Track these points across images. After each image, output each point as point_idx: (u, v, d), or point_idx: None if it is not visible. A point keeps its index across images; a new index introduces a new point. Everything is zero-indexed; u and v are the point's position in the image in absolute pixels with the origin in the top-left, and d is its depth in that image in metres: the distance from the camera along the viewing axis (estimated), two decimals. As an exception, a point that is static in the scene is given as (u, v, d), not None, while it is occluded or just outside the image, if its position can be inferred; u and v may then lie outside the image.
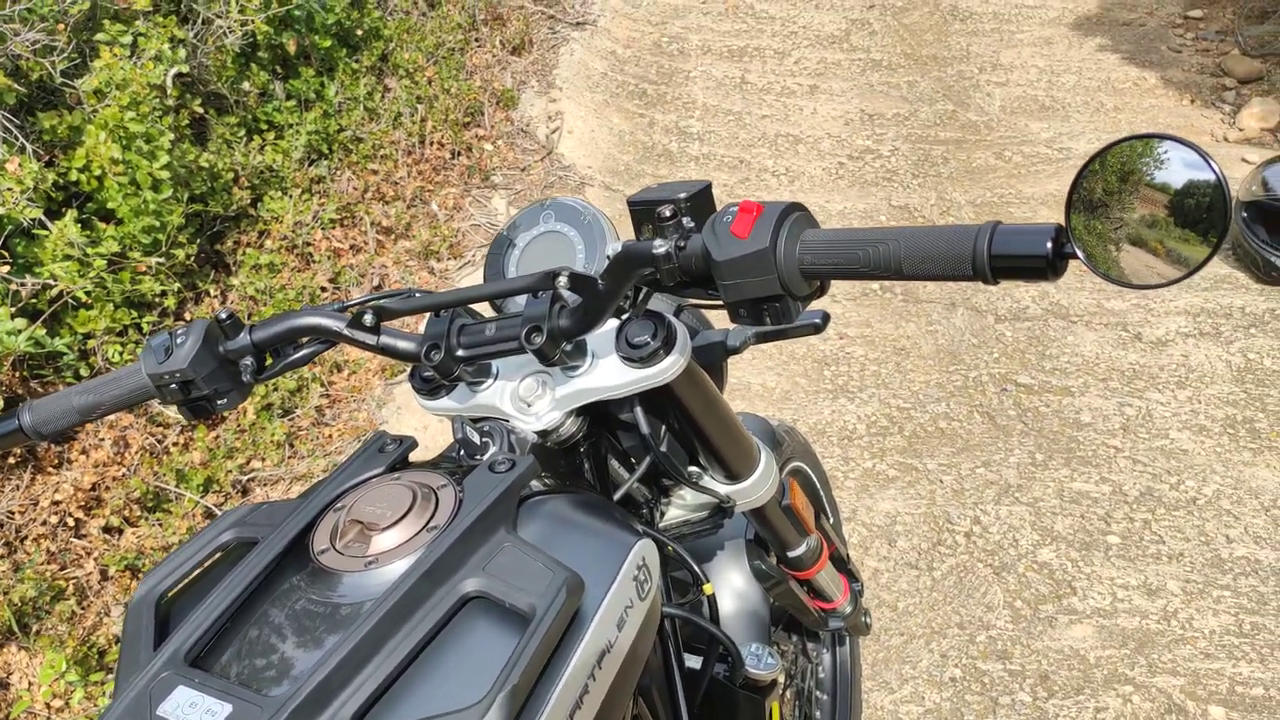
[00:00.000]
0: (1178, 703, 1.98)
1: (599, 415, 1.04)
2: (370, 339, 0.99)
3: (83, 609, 2.03)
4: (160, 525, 2.15)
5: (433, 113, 3.51)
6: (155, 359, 0.99)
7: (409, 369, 1.03)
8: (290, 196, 3.01)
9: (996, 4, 4.73)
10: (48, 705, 1.91)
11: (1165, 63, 4.21)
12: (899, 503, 2.46)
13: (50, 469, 2.18)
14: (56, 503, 2.10)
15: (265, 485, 2.37)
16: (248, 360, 1.01)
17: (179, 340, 1.00)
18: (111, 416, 2.31)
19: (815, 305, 1.04)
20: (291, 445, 2.42)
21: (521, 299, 1.04)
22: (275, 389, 2.46)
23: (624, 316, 0.96)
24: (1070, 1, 4.74)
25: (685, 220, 0.87)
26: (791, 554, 1.39)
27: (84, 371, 2.26)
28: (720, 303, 0.87)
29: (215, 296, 2.68)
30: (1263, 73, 4.01)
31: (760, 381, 2.84)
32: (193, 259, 2.61)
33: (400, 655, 0.72)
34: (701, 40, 4.42)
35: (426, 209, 3.25)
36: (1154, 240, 0.65)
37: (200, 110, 2.90)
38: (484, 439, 0.97)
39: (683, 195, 0.88)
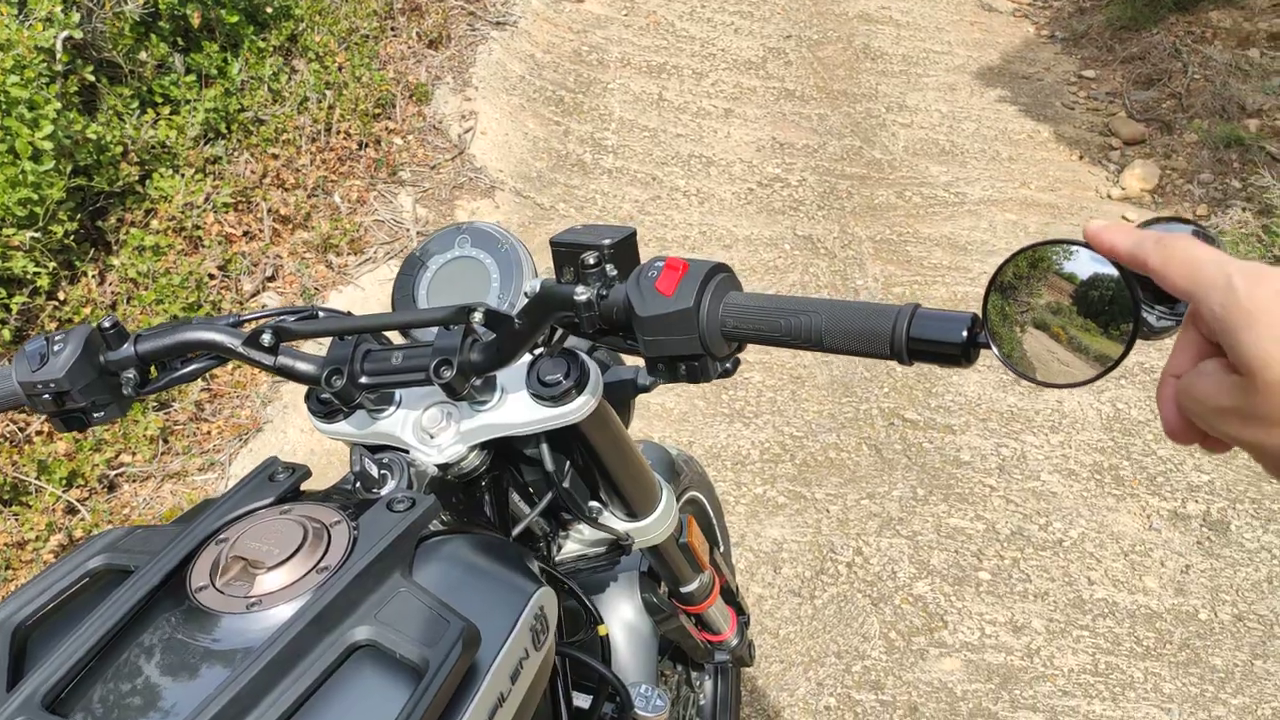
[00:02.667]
0: (1035, 737, 2.07)
1: (502, 449, 1.02)
2: (267, 359, 0.94)
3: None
4: (16, 519, 2.02)
5: (341, 100, 3.40)
6: (29, 366, 0.92)
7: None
8: (182, 176, 2.87)
9: (906, 47, 4.88)
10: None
11: (1059, 118, 4.43)
12: (786, 530, 2.51)
13: (-106, 452, 2.02)
14: (-101, 490, 1.94)
15: (134, 481, 2.24)
16: (130, 373, 0.95)
17: (56, 348, 0.93)
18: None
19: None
20: (166, 441, 2.30)
21: (431, 331, 1.01)
22: (154, 380, 2.34)
23: (537, 353, 0.94)
24: (975, 51, 4.93)
25: (608, 268, 0.86)
26: (684, 589, 1.40)
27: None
28: (636, 350, 0.86)
29: (93, 277, 2.53)
30: (1146, 136, 4.26)
31: (660, 403, 2.85)
32: (71, 236, 2.46)
33: (281, 708, 0.68)
34: (621, 53, 4.42)
35: (328, 200, 3.15)
36: (1067, 339, 0.68)
37: (91, 78, 2.74)
38: (382, 471, 0.94)
39: (607, 242, 0.87)
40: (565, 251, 0.90)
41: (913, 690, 2.15)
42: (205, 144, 3.05)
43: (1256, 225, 3.57)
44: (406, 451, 0.96)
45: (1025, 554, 2.49)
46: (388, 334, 1.00)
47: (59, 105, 2.34)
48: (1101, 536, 2.56)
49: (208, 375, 2.51)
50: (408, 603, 0.75)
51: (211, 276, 2.71)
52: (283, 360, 0.95)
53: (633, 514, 1.14)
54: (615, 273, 0.84)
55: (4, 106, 2.22)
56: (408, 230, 3.13)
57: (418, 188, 3.31)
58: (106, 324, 0.94)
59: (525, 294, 0.98)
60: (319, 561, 0.78)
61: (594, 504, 1.12)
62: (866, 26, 4.98)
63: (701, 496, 1.73)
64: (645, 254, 0.85)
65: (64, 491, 2.08)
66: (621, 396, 1.16)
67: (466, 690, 0.72)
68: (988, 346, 0.67)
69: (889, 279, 3.40)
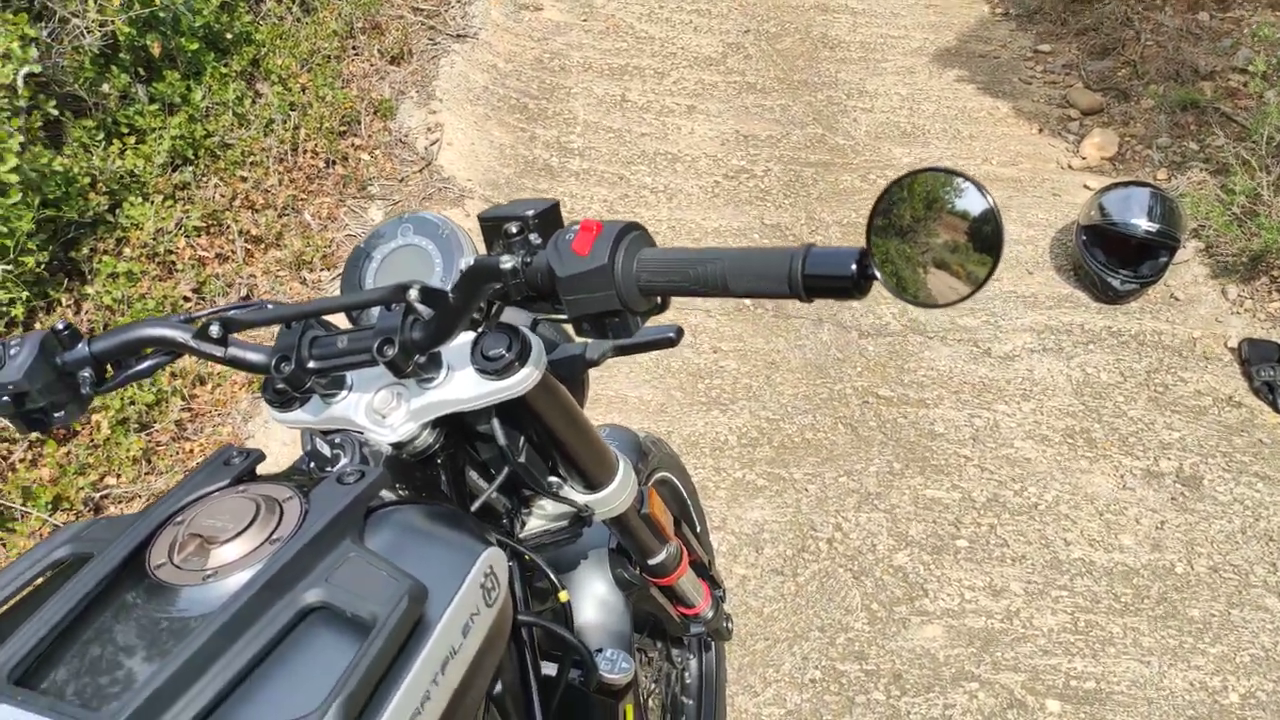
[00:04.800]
0: (1019, 698, 2.11)
1: (456, 427, 1.06)
2: (217, 350, 0.98)
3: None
4: (3, 545, 2.04)
5: (307, 120, 3.44)
6: (-14, 369, 0.96)
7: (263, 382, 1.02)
8: (152, 203, 2.90)
9: (864, 34, 4.94)
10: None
11: (1017, 94, 4.49)
12: (767, 511, 2.55)
13: (-122, 489, 2.04)
14: (-115, 525, 1.97)
15: (120, 503, 2.27)
16: (86, 372, 0.99)
17: (12, 351, 0.97)
18: (-51, 433, 2.18)
19: (665, 320, 1.09)
20: (149, 461, 2.33)
21: (377, 312, 1.05)
22: (132, 403, 2.37)
23: (479, 330, 0.98)
24: (931, 34, 4.99)
25: (532, 237, 0.90)
26: (652, 561, 1.44)
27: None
28: (559, 319, 0.90)
29: (69, 306, 2.56)
30: (1103, 105, 4.32)
31: (637, 395, 2.89)
32: (43, 266, 2.49)
33: (237, 666, 0.72)
34: (583, 57, 4.47)
35: (299, 218, 3.19)
36: (941, 262, 0.72)
37: (55, 112, 2.77)
38: (334, 451, 0.98)
39: (530, 212, 0.91)
40: (492, 226, 0.95)
41: (895, 658, 2.19)
42: (173, 171, 3.08)
43: (1215, 185, 3.62)
44: (361, 434, 0.99)
45: (1002, 520, 2.54)
46: (335, 322, 1.03)
47: (22, 139, 2.37)
48: (1076, 498, 2.61)
49: (187, 396, 2.54)
50: (358, 566, 0.79)
51: (186, 299, 2.75)
52: (233, 351, 0.99)
53: (591, 485, 1.18)
54: (539, 241, 0.88)
55: (-33, 143, 2.26)
56: (379, 243, 3.17)
57: (387, 200, 3.35)
58: (60, 326, 0.98)
59: (460, 271, 1.02)
60: (272, 533, 0.81)
61: (553, 479, 1.16)
62: (823, 17, 5.04)
63: (673, 477, 1.76)
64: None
65: (50, 515, 2.11)
66: (572, 372, 1.20)
67: (416, 643, 0.76)
68: (875, 277, 0.72)
69: (857, 261, 3.46)
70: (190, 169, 3.14)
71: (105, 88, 3.03)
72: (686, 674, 1.91)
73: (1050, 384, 3.00)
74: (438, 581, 0.80)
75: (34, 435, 2.25)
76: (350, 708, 0.69)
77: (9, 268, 2.33)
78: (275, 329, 0.98)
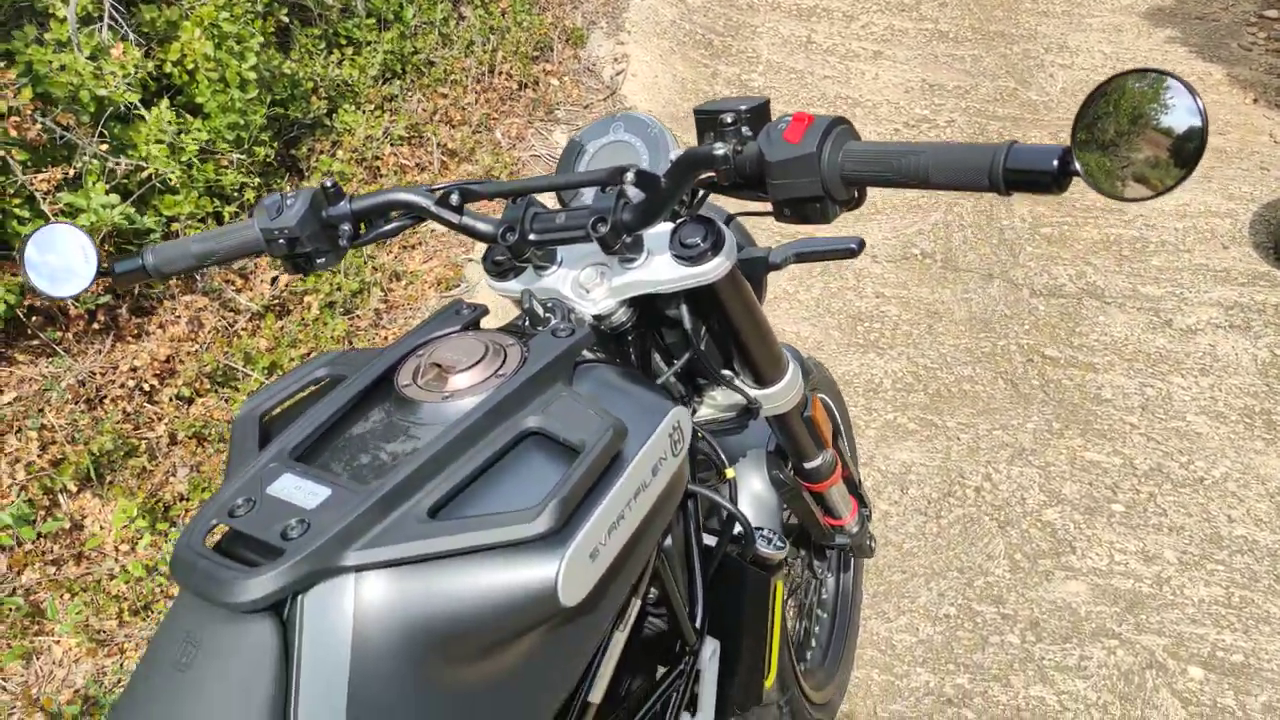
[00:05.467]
0: (1159, 660, 2.09)
1: (648, 309, 1.17)
2: (454, 217, 1.12)
3: (152, 467, 2.21)
4: (227, 401, 2.32)
5: (504, 44, 3.61)
6: (268, 216, 1.13)
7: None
8: (364, 111, 3.14)
9: (1071, -14, 4.71)
10: (116, 549, 2.09)
11: (1234, 59, 4.19)
12: (915, 454, 2.57)
13: (130, 338, 2.35)
14: (134, 369, 2.27)
15: (322, 376, 2.53)
16: (346, 226, 1.15)
17: (289, 202, 1.13)
18: (189, 297, 2.48)
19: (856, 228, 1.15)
20: (350, 341, 2.58)
21: (588, 196, 1.17)
22: (339, 289, 2.61)
23: (679, 219, 1.08)
24: (1146, -10, 4.71)
25: (744, 129, 0.99)
26: (808, 465, 1.52)
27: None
28: (768, 208, 0.99)
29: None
30: (1331, 78, 3.99)
31: (795, 330, 2.95)
32: (271, 158, 2.76)
33: (471, 467, 0.86)
34: (772, -3, 4.46)
35: (491, 135, 3.37)
36: (1142, 162, 0.76)
37: (285, 19, 3.03)
38: (546, 313, 1.10)
39: (743, 107, 1.00)
40: (706, 119, 1.04)
41: (1035, 607, 2.20)
42: (383, 83, 3.32)
43: None
44: (566, 302, 1.12)
45: (1163, 490, 2.48)
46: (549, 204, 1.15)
47: (261, 40, 2.62)
48: (1246, 477, 2.51)
49: (385, 289, 2.77)
50: (568, 403, 0.91)
51: (387, 201, 2.98)
52: (466, 219, 1.12)
53: (761, 381, 1.27)
54: (750, 133, 0.97)
55: (217, 39, 2.52)
56: (562, 164, 3.33)
57: (571, 125, 3.49)
58: (328, 184, 1.14)
59: (669, 160, 1.11)
60: (498, 369, 0.94)
61: (726, 372, 1.26)
62: (1028, -34, 4.83)
63: (829, 400, 1.83)
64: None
65: (266, 378, 2.38)
66: (754, 272, 1.28)
67: (615, 472, 0.87)
68: (1077, 173, 0.76)
69: (1037, 219, 3.37)
70: (398, 83, 3.36)
71: (329, 0, 3.28)
72: (824, 589, 1.99)
73: (1233, 361, 2.87)
74: (635, 425, 0.91)
75: (256, 306, 2.53)
76: (562, 510, 0.81)
77: (243, 155, 2.60)
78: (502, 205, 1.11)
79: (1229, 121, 3.86)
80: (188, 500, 2.19)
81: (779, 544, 1.33)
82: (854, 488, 1.73)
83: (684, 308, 1.17)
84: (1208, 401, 2.74)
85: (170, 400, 2.27)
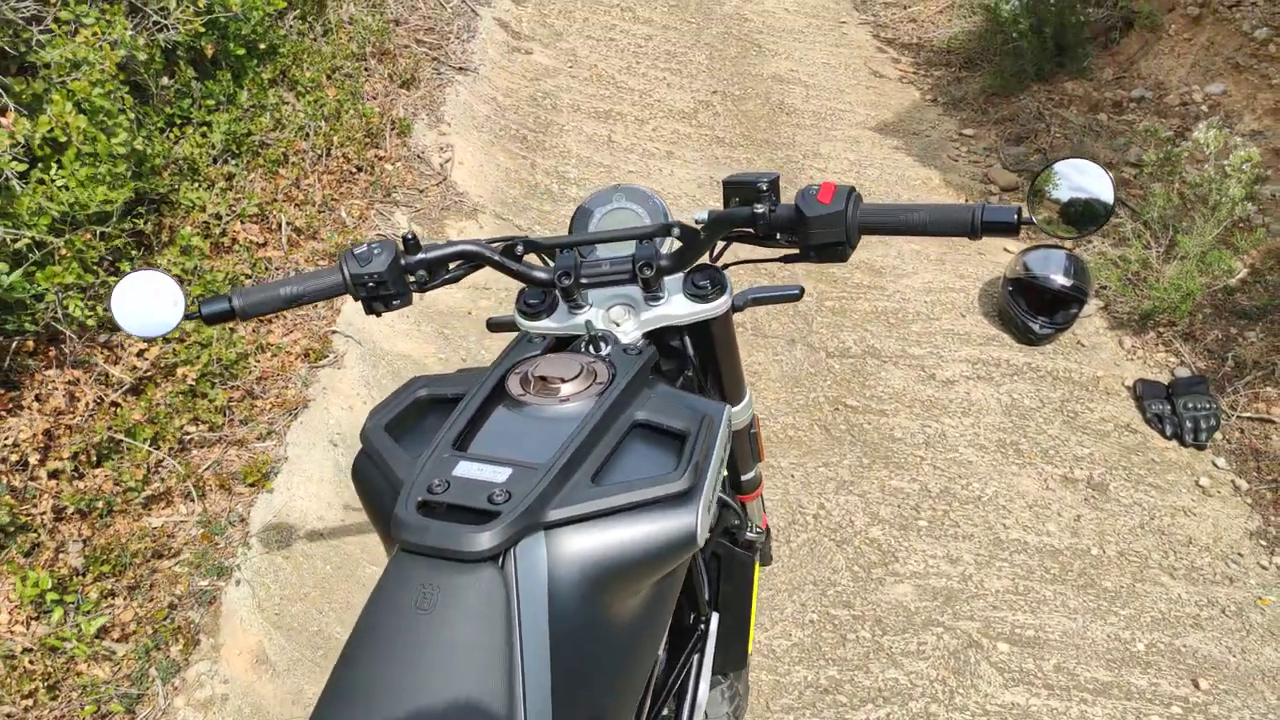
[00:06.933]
0: (976, 640, 2.57)
1: (656, 338, 1.46)
2: (515, 265, 1.36)
3: (48, 540, 2.12)
4: (117, 472, 2.28)
5: (338, 130, 3.75)
6: (358, 264, 1.31)
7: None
8: (207, 189, 3.16)
9: (815, 105, 5.56)
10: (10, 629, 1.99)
11: (946, 168, 5.15)
12: (764, 492, 2.96)
13: (4, 413, 2.25)
14: (16, 444, 2.18)
15: (203, 446, 2.52)
16: (421, 273, 1.35)
17: (375, 251, 1.33)
18: (52, 371, 2.40)
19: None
20: (231, 411, 2.59)
21: (601, 251, 1.46)
22: (218, 360, 2.63)
23: (689, 269, 1.40)
24: (872, 110, 5.65)
25: (770, 195, 1.32)
26: (744, 476, 1.84)
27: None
28: (786, 250, 1.31)
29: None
30: (1018, 184, 5.01)
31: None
32: (123, 236, 2.73)
33: (605, 452, 1.10)
34: (571, 99, 4.91)
35: (335, 215, 3.48)
36: (1067, 219, 1.17)
37: (128, 99, 3.01)
38: (602, 341, 1.36)
39: (766, 180, 1.33)
40: (734, 186, 1.36)
41: (876, 607, 2.62)
42: (222, 163, 3.35)
43: (1114, 254, 4.30)
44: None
45: (953, 507, 3.03)
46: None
47: (131, 117, 2.64)
48: (1010, 494, 3.13)
49: (255, 358, 2.80)
50: (659, 401, 1.18)
51: (246, 275, 3.01)
52: (523, 267, 1.37)
53: (729, 399, 1.59)
54: (773, 197, 1.30)
55: (89, 113, 2.51)
56: (408, 244, 3.50)
57: (411, 208, 3.68)
58: (409, 235, 1.34)
59: (695, 221, 1.42)
60: (595, 380, 1.20)
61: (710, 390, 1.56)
62: (780, 86, 5.64)
63: None
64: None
65: (153, 450, 2.35)
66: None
67: (709, 451, 1.14)
68: (1030, 223, 1.16)
69: (821, 295, 3.96)
70: (235, 162, 3.40)
71: (166, 80, 3.29)
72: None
73: (984, 405, 3.54)
74: (711, 414, 1.20)
75: (124, 388, 2.49)
76: (695, 474, 1.08)
77: (108, 230, 2.57)
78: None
79: (951, 217, 4.73)
80: (83, 575, 2.13)
81: (756, 530, 1.63)
82: (761, 505, 2.07)
83: (686, 338, 1.48)
84: (972, 436, 3.37)
85: (64, 474, 2.20)
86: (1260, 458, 3.34)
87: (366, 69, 4.39)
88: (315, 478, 2.56)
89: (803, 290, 1.66)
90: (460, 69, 4.69)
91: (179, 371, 2.55)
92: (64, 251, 2.34)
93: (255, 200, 3.24)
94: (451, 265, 1.38)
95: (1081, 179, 1.17)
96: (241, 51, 3.60)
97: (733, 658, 1.61)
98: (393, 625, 0.96)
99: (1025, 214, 1.18)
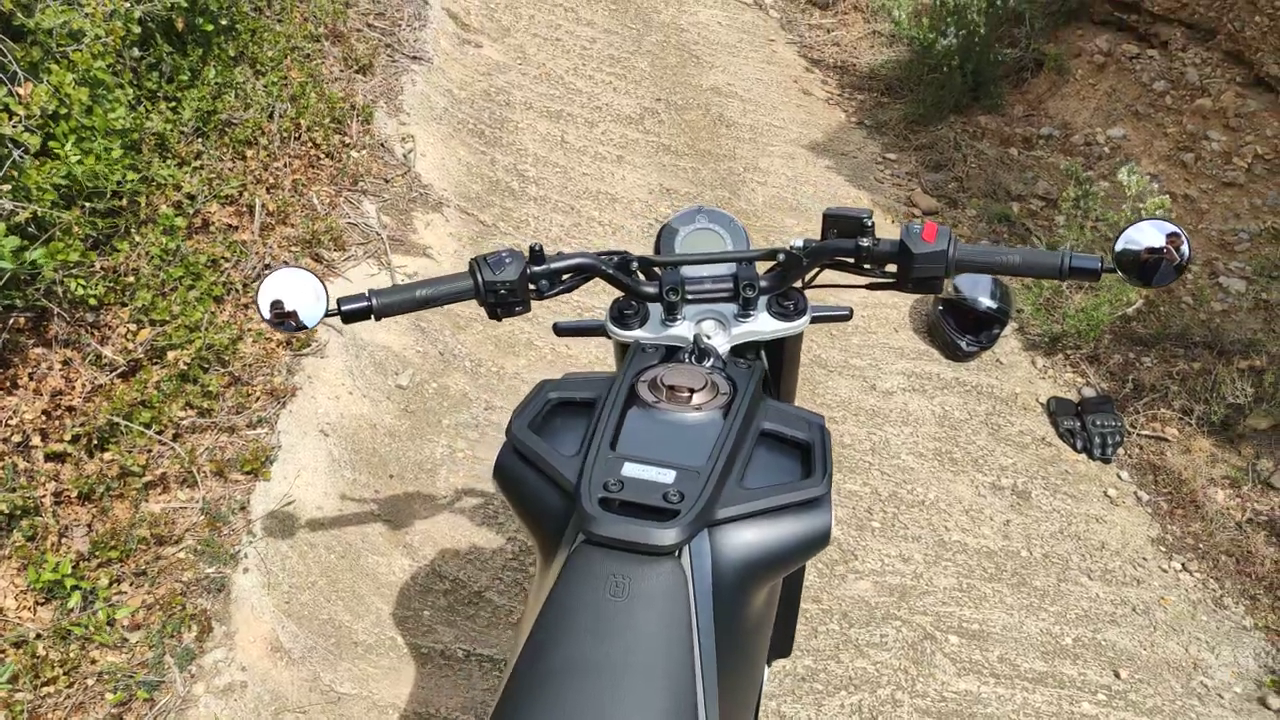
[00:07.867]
0: (930, 632, 2.81)
1: (736, 351, 1.59)
2: (627, 280, 1.47)
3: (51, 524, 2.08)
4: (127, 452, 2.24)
5: (303, 113, 3.70)
6: (491, 271, 1.39)
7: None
8: (181, 167, 3.09)
9: (752, 119, 5.78)
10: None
11: (873, 188, 5.45)
12: (728, 491, 3.13)
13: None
14: (19, 424, 2.12)
15: (197, 432, 2.49)
16: (544, 281, 1.44)
17: (506, 259, 1.41)
18: (40, 350, 2.34)
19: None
20: (225, 397, 2.57)
21: (688, 270, 1.58)
22: (210, 346, 2.60)
23: (777, 289, 1.53)
24: (804, 129, 5.91)
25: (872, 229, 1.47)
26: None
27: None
28: (881, 275, 1.46)
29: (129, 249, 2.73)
30: (938, 208, 5.36)
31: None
32: (112, 216, 2.66)
33: (745, 455, 1.23)
34: (524, 97, 4.96)
35: (304, 200, 3.45)
36: (1140, 272, 1.36)
37: (127, 72, 2.92)
38: (703, 351, 1.48)
39: (868, 215, 1.47)
40: (834, 219, 1.50)
41: (841, 602, 2.83)
42: (189, 141, 3.27)
43: (1029, 280, 4.68)
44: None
45: (900, 510, 3.27)
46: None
47: (131, 94, 2.57)
48: (949, 499, 3.39)
49: (242, 343, 2.77)
50: (777, 411, 1.32)
51: (224, 258, 2.97)
52: (632, 281, 1.48)
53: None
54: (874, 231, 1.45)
55: (90, 85, 2.44)
56: (379, 234, 3.50)
57: (379, 198, 3.68)
58: (536, 247, 1.43)
59: (791, 247, 1.55)
60: (719, 389, 1.32)
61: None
62: (719, 99, 5.83)
63: None
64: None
65: (149, 431, 2.32)
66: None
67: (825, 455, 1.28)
68: (1113, 271, 1.35)
69: (770, 304, 4.17)
70: (202, 141, 3.33)
71: (136, 53, 3.19)
72: None
73: (921, 415, 3.81)
74: (822, 425, 1.34)
75: (117, 370, 2.44)
76: (829, 482, 1.22)
77: (100, 205, 2.51)
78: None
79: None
80: (89, 561, 2.10)
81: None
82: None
83: (763, 353, 1.62)
84: (912, 444, 3.63)
85: (70, 457, 2.15)
86: (1157, 472, 3.72)
87: (322, 51, 4.33)
88: (310, 467, 2.57)
89: (852, 311, 1.81)
90: (415, 58, 4.67)
91: (169, 355, 2.52)
92: (74, 228, 2.28)
93: (232, 183, 3.19)
94: (565, 276, 1.48)
95: (1147, 239, 1.36)
96: (210, 27, 3.52)
97: (785, 644, 1.76)
98: (588, 609, 1.06)
99: (1108, 262, 1.36)
